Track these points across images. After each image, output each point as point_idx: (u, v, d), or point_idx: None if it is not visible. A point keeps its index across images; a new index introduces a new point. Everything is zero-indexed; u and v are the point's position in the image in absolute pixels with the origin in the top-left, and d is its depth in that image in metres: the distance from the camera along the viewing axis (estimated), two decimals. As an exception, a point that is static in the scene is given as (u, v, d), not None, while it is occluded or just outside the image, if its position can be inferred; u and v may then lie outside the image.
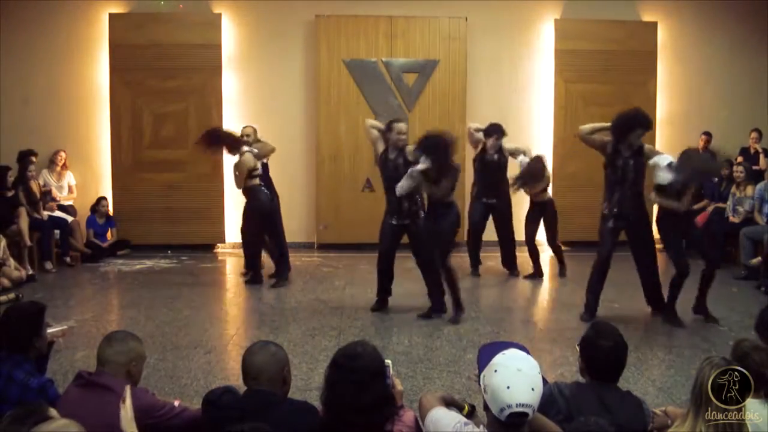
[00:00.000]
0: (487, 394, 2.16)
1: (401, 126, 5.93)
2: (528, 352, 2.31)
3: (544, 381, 2.87)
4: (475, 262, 7.58)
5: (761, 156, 8.68)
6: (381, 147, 5.98)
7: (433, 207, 5.75)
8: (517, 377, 2.12)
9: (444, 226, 5.68)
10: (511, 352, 2.24)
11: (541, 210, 7.44)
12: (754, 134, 8.86)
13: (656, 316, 5.85)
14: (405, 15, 9.16)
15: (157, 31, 9.00)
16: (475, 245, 7.56)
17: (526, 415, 2.11)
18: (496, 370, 2.16)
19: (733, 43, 9.57)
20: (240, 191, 7.16)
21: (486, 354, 2.28)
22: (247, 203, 7.04)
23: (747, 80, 9.54)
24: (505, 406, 2.10)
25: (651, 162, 5.61)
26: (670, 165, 5.47)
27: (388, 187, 5.92)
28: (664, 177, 5.47)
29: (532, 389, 2.12)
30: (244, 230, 7.25)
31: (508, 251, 7.63)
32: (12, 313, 3.04)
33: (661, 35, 9.50)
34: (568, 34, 9.33)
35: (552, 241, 7.64)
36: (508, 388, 2.11)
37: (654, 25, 9.49)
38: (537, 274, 7.44)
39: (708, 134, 9.11)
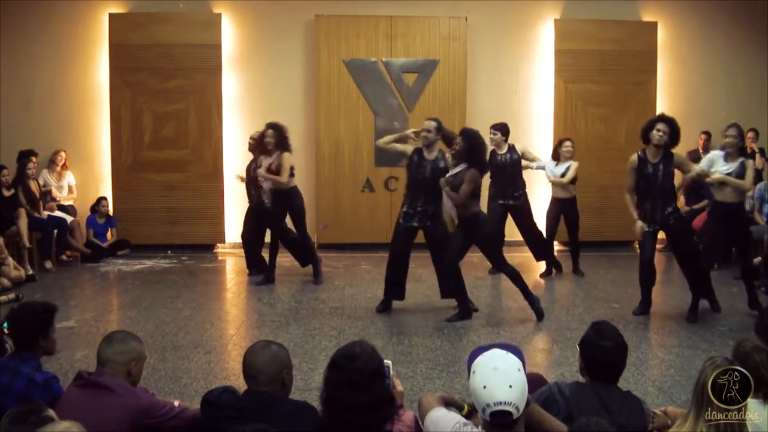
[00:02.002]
0: (472, 396, 2.18)
1: (426, 123, 5.97)
2: (519, 352, 2.31)
3: (544, 381, 2.88)
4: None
5: (758, 155, 8.69)
6: (409, 149, 6.02)
7: (464, 222, 5.74)
8: (493, 376, 2.13)
9: (483, 233, 5.76)
10: (491, 353, 2.24)
11: (563, 207, 7.55)
12: (750, 134, 8.86)
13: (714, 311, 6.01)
14: (405, 15, 9.15)
15: (157, 31, 9.00)
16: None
17: (509, 413, 2.10)
18: (474, 371, 2.18)
19: (732, 44, 9.58)
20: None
21: (473, 359, 2.29)
22: (288, 203, 7.02)
23: (745, 80, 9.54)
24: (485, 405, 2.11)
25: (704, 164, 5.79)
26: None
27: (412, 189, 5.96)
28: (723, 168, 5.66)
29: (510, 386, 2.11)
30: (273, 231, 7.28)
31: (541, 248, 7.71)
32: (21, 311, 3.06)
33: (661, 35, 9.50)
34: (567, 34, 9.32)
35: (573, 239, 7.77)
36: (484, 387, 2.12)
37: (654, 25, 9.48)
38: (557, 269, 7.69)
39: (707, 133, 9.18)
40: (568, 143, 7.56)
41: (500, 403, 2.09)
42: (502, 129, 7.30)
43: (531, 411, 2.41)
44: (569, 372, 4.38)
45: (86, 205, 8.94)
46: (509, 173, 7.31)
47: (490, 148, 7.05)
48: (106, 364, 2.73)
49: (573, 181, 7.48)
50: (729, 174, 5.64)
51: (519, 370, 2.17)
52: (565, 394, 2.61)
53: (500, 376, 2.12)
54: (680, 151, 7.87)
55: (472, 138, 5.63)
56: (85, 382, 2.70)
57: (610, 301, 6.41)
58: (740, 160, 5.70)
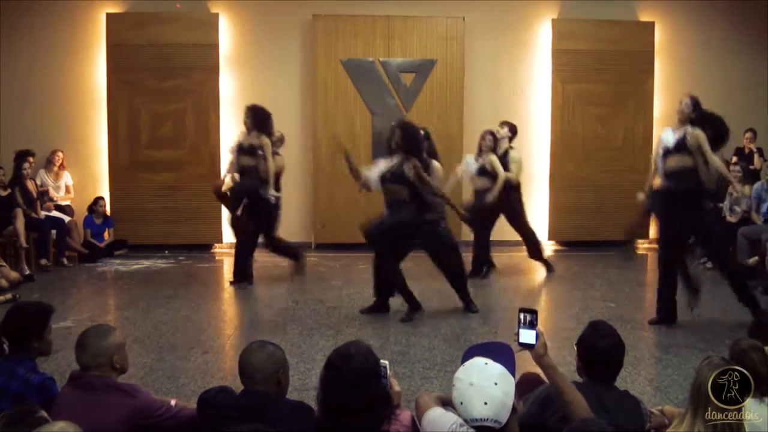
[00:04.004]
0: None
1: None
2: (509, 354, 2.31)
3: (541, 381, 2.87)
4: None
5: (756, 155, 8.71)
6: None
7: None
8: (469, 392, 2.13)
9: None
10: (470, 364, 2.23)
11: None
12: (748, 134, 8.88)
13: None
14: (402, 15, 9.15)
15: (154, 31, 8.99)
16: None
17: (489, 428, 2.12)
18: (454, 385, 2.19)
19: (729, 43, 9.58)
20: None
21: (464, 361, 2.30)
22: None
23: (743, 80, 9.54)
24: (464, 419, 2.14)
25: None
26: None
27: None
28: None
29: (485, 403, 2.10)
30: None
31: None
32: (14, 311, 3.03)
33: (658, 35, 9.51)
34: (565, 34, 9.32)
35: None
36: (461, 404, 2.14)
37: (651, 25, 9.49)
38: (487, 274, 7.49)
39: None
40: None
41: (476, 420, 2.11)
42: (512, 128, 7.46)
43: (562, 387, 2.40)
44: (567, 372, 4.31)
45: (83, 205, 8.92)
46: None
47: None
48: (89, 369, 2.70)
49: (489, 173, 7.21)
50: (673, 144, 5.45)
51: (496, 384, 2.15)
52: (563, 394, 2.61)
53: (475, 393, 2.12)
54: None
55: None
56: (80, 382, 2.69)
57: (607, 301, 6.41)
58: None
